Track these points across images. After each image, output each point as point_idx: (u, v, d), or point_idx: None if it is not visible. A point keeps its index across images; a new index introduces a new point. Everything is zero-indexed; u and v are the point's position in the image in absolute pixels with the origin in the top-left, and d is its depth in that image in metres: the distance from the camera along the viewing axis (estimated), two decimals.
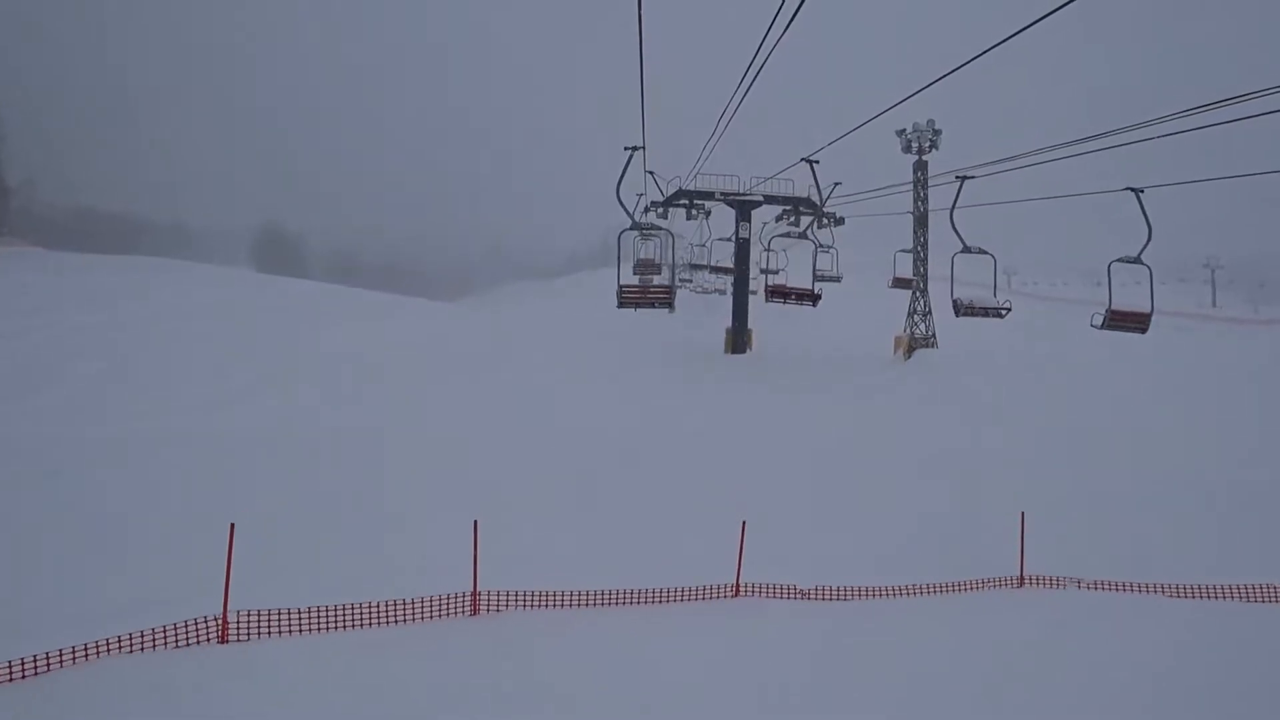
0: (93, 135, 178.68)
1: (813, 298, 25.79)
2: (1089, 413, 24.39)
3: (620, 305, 22.14)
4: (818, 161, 20.95)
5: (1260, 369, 32.08)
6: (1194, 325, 65.07)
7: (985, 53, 10.47)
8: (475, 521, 9.30)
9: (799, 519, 14.35)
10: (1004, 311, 18.16)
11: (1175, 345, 40.46)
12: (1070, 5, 8.50)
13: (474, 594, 9.32)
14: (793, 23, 9.31)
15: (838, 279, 33.41)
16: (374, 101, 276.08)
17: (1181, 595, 11.64)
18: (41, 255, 67.75)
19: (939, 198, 36.15)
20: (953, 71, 11.76)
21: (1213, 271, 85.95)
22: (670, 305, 23.98)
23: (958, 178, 17.08)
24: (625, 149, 18.88)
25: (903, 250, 34.70)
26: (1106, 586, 11.62)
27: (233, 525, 8.32)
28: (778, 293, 26.92)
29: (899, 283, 34.19)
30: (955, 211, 17.38)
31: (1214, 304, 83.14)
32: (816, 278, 30.81)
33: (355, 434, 18.34)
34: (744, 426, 21.62)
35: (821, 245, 32.20)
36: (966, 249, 17.07)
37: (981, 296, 18.35)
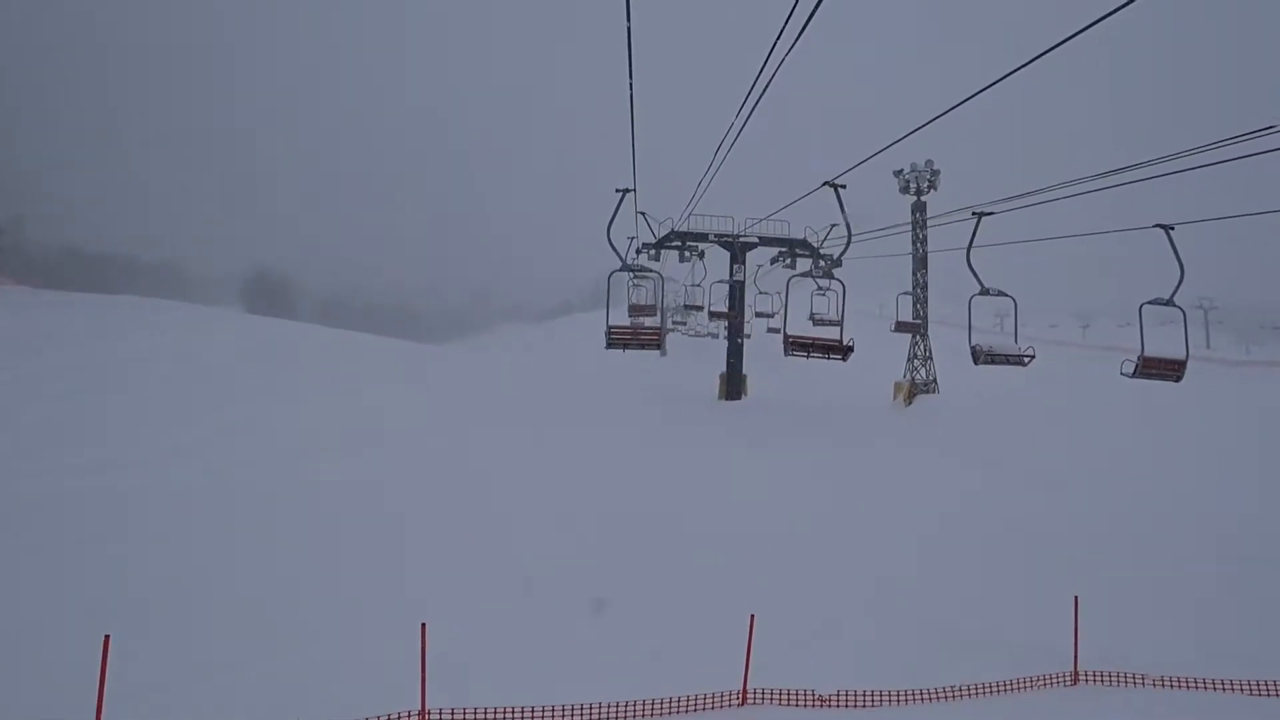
0: (85, 175, 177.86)
1: (843, 351, 20.59)
2: (1112, 465, 22.78)
3: (609, 346, 21.39)
4: (844, 186, 18.14)
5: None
6: (1195, 367, 63.60)
7: (980, 92, 9.63)
8: (423, 624, 7.48)
9: (808, 594, 12.55)
10: (1026, 360, 16.51)
11: (1185, 389, 38.94)
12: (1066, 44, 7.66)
13: (422, 712, 7.47)
14: (785, 63, 8.74)
15: (838, 322, 31.90)
16: (366, 144, 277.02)
17: (1263, 693, 9.84)
18: (26, 294, 66.02)
19: (937, 239, 34.95)
20: (952, 109, 11.09)
21: (1206, 312, 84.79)
22: (660, 347, 23.10)
23: (974, 214, 15.60)
24: (616, 191, 18.49)
25: (905, 293, 33.20)
26: (1175, 684, 9.82)
27: (107, 638, 6.50)
28: (799, 345, 21.28)
29: (903, 327, 32.65)
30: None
31: (1208, 345, 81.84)
32: (817, 321, 29.28)
33: (303, 498, 16.46)
34: (742, 485, 19.83)
35: (822, 288, 30.73)
36: (985, 291, 15.51)
37: (1002, 343, 16.68)
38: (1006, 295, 15.76)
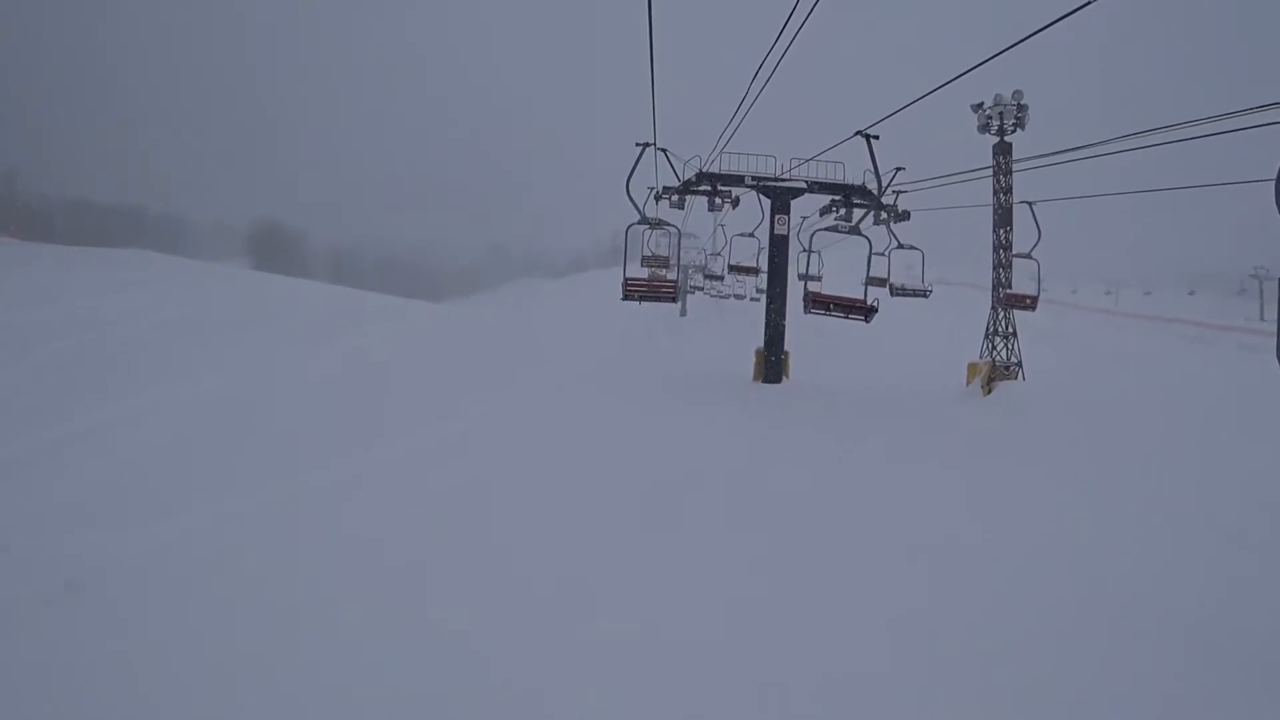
0: (87, 126, 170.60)
1: (865, 311, 20.81)
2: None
3: (625, 298, 21.52)
4: (876, 136, 19.40)
5: None
6: (1261, 343, 55.56)
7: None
8: None
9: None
10: None
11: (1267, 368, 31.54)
12: None
13: None
14: None
15: (925, 292, 24.81)
16: (378, 97, 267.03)
17: None
18: (6, 246, 59.57)
19: (1023, 186, 27.53)
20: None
21: (1261, 282, 76.15)
22: (675, 300, 23.62)
23: None
24: (636, 145, 18.85)
25: (1018, 255, 25.75)
26: None
27: None
28: (819, 302, 21.18)
29: (1013, 300, 25.31)
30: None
31: (1262, 317, 73.38)
32: (897, 291, 23.49)
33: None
34: (797, 516, 12.83)
35: (891, 247, 23.72)
36: None
37: None
38: None
